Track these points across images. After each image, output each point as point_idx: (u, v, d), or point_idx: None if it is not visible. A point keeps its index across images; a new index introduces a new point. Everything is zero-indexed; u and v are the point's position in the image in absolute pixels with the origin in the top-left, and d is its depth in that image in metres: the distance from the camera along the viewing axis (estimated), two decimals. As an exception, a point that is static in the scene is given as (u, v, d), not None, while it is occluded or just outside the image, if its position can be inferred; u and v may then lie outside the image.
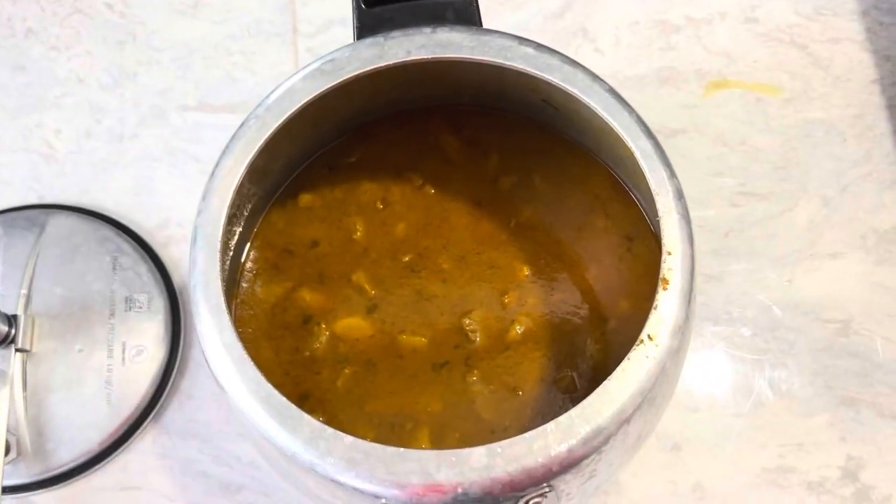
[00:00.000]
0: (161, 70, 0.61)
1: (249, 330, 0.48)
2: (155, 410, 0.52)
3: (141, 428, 0.52)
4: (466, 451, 0.35)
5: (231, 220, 0.46)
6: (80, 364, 0.52)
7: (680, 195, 0.39)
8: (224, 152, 0.41)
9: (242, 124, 0.41)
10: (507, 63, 0.41)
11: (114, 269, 0.55)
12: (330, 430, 0.35)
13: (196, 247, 0.39)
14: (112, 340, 0.53)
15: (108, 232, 0.56)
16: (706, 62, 0.59)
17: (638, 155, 0.40)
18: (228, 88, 0.60)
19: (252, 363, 0.37)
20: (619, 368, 0.36)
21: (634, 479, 0.50)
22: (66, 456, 0.51)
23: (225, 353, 0.37)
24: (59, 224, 0.56)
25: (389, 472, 0.35)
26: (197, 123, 0.60)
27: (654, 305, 0.37)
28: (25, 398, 0.52)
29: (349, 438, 0.35)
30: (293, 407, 0.36)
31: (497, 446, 0.35)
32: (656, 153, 0.40)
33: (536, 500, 0.35)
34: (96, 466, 0.52)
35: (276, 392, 0.36)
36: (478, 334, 0.47)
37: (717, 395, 0.52)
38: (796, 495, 0.49)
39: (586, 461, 0.35)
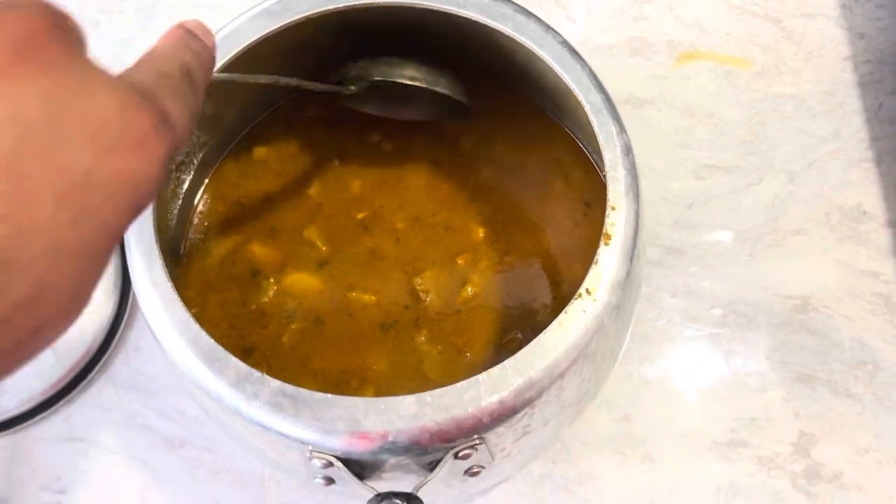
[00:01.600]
0: (124, 20, 0.60)
1: (198, 282, 0.47)
2: (101, 362, 0.52)
3: (86, 379, 0.51)
4: (396, 399, 0.34)
5: (178, 166, 0.46)
6: (27, 312, 0.51)
7: (628, 150, 0.39)
8: None
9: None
10: (459, 10, 0.41)
11: (66, 218, 0.54)
12: (257, 373, 0.35)
13: None
14: (60, 290, 0.52)
15: (62, 181, 0.55)
16: (678, 33, 0.59)
17: (588, 108, 0.39)
18: (192, 42, 0.59)
19: (181, 303, 0.36)
20: (555, 322, 0.35)
21: (584, 447, 0.49)
22: (8, 404, 0.50)
23: (154, 292, 0.36)
24: (13, 171, 0.55)
25: (315, 417, 0.34)
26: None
27: (594, 260, 0.36)
28: (-31, 345, 0.51)
29: (276, 382, 0.34)
30: (220, 348, 0.35)
31: (427, 395, 0.34)
32: (606, 108, 0.39)
33: (466, 451, 0.35)
34: (39, 416, 0.51)
35: (204, 333, 0.35)
36: (429, 295, 0.46)
37: (672, 367, 0.51)
38: (746, 470, 0.49)
39: (518, 415, 0.35)
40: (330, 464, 0.34)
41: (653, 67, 0.58)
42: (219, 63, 0.40)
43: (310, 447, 0.34)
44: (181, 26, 0.30)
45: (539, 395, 0.34)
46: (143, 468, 0.50)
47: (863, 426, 0.49)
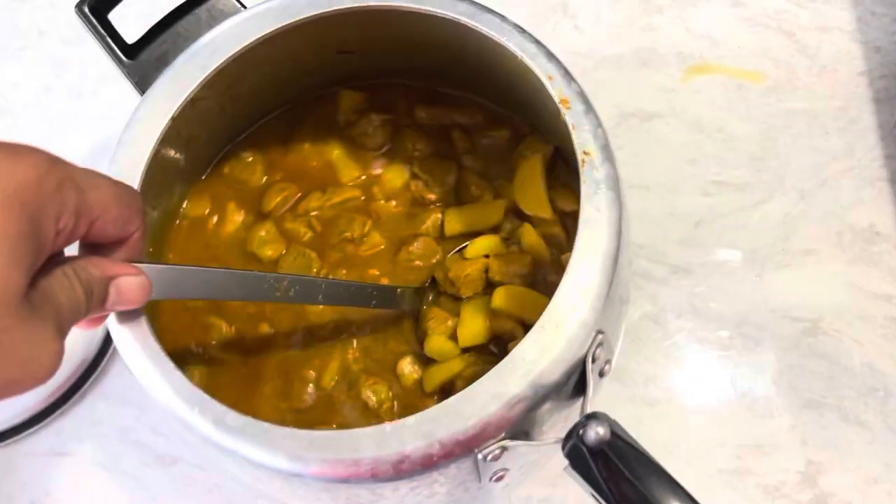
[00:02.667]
0: (127, 26, 0.59)
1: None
2: (94, 375, 0.51)
3: (78, 392, 0.51)
4: (518, 351, 0.33)
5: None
6: (19, 324, 0.51)
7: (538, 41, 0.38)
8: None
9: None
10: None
11: (61, 228, 0.53)
12: (388, 426, 0.32)
13: None
14: (53, 301, 0.51)
15: (58, 190, 0.54)
16: (688, 45, 0.57)
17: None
18: (193, 49, 0.58)
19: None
20: (582, 199, 0.35)
21: (584, 472, 0.48)
22: (-1, 417, 0.50)
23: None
24: (9, 179, 0.54)
25: (449, 431, 0.32)
26: (158, 83, 0.58)
27: (570, 125, 0.36)
28: (-39, 356, 0.50)
29: (410, 420, 0.32)
30: (321, 433, 0.33)
31: (538, 326, 0.33)
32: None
33: (597, 351, 0.34)
34: (30, 430, 0.50)
35: (305, 431, 0.33)
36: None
37: (676, 390, 0.50)
38: (752, 499, 0.47)
39: (611, 290, 0.34)
40: (502, 450, 0.33)
41: (661, 79, 0.57)
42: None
43: (476, 450, 0.33)
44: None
45: (614, 264, 0.35)
46: (134, 484, 0.50)
47: (873, 455, 0.48)
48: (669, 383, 0.50)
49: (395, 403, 0.43)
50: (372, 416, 0.42)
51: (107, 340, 0.51)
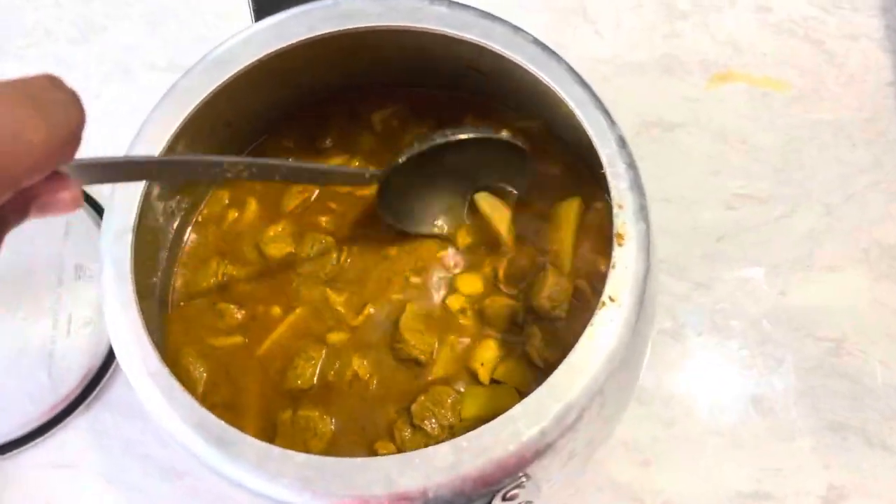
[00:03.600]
0: (131, 25, 0.58)
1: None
2: (99, 387, 0.50)
3: (83, 404, 0.49)
4: (430, 450, 0.32)
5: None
6: (22, 332, 0.49)
7: (623, 143, 0.36)
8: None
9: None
10: (419, 25, 0.38)
11: (66, 233, 0.52)
12: (277, 449, 0.32)
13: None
14: (58, 310, 0.50)
15: (63, 194, 0.53)
16: (712, 52, 0.55)
17: (572, 104, 0.36)
18: (200, 49, 0.57)
19: (181, 388, 0.34)
20: (583, 337, 0.32)
21: (599, 493, 0.47)
22: (1, 429, 0.48)
23: (151, 382, 0.34)
24: (13, 182, 0.53)
25: (348, 485, 0.31)
26: (165, 84, 0.56)
27: (611, 264, 0.34)
28: (-37, 365, 0.49)
29: (300, 456, 0.32)
30: (231, 429, 0.33)
31: (462, 440, 0.31)
32: (592, 101, 0.36)
33: (513, 491, 0.32)
34: (34, 441, 0.49)
35: (211, 416, 0.33)
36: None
37: (696, 410, 0.49)
38: (771, 523, 0.46)
39: (562, 441, 0.32)
40: None
41: (685, 88, 0.55)
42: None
43: None
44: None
45: (580, 416, 0.32)
46: (139, 497, 0.48)
47: (897, 480, 0.47)
48: (688, 402, 0.49)
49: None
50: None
51: (112, 351, 0.50)
